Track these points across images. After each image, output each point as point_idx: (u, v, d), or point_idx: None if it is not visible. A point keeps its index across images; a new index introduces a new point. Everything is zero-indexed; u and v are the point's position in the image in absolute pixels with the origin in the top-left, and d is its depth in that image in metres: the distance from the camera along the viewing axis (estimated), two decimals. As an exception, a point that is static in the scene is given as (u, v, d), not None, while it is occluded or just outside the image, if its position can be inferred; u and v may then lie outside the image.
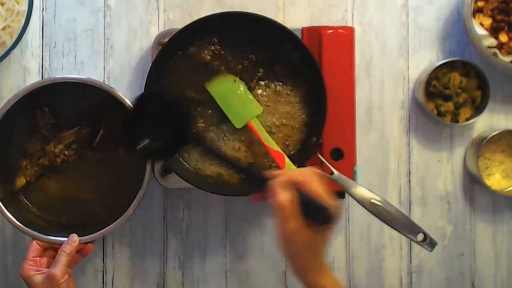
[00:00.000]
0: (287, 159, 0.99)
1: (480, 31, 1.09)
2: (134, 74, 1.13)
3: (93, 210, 1.06)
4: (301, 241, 0.83)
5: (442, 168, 1.15)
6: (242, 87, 1.03)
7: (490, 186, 1.11)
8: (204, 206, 1.13)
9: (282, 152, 1.00)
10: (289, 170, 0.95)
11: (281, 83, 1.05)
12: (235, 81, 1.03)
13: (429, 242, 0.95)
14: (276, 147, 1.00)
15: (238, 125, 1.02)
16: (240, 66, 1.04)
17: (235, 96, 1.03)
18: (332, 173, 0.99)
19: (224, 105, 1.02)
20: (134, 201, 1.01)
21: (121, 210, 1.01)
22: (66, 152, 1.05)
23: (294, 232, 0.82)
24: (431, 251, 0.95)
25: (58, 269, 0.95)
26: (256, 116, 1.02)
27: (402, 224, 0.94)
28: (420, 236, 0.94)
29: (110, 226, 1.01)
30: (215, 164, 1.04)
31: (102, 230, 1.01)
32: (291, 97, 1.05)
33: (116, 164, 1.07)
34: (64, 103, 1.07)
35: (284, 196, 0.83)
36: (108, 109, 1.06)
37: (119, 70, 1.13)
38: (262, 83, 1.04)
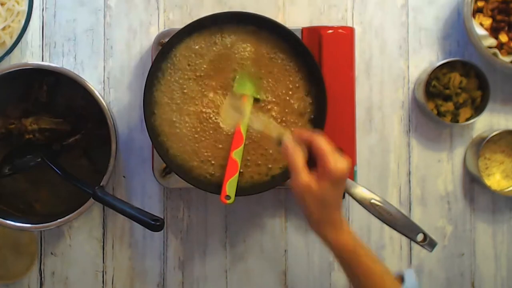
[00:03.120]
0: (241, 147, 1.00)
1: (480, 31, 1.09)
2: (134, 74, 1.14)
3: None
4: (313, 195, 0.87)
5: (442, 168, 1.15)
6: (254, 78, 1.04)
7: (490, 186, 1.11)
8: (204, 206, 1.13)
9: (243, 138, 1.01)
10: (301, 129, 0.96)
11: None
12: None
13: (429, 243, 0.94)
14: (243, 131, 1.01)
15: (236, 89, 1.03)
16: (239, 67, 1.04)
17: (251, 77, 1.03)
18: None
19: (242, 74, 1.03)
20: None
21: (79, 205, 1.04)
22: (37, 135, 1.06)
23: (304, 186, 0.87)
24: (431, 251, 0.95)
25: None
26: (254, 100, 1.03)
27: (402, 224, 0.94)
28: (420, 237, 0.94)
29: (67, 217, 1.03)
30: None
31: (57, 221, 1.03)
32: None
33: (75, 168, 1.08)
34: (63, 92, 1.08)
35: (293, 151, 0.89)
36: (94, 121, 1.07)
37: (119, 70, 1.13)
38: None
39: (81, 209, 1.02)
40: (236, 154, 1.00)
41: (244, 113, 1.01)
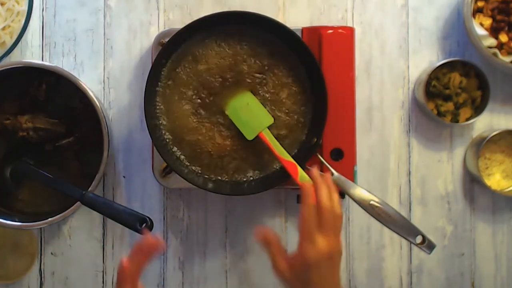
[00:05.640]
0: (300, 170, 0.98)
1: (480, 31, 1.09)
2: (134, 74, 1.14)
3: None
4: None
5: (442, 168, 1.15)
6: (251, 99, 1.02)
7: (490, 186, 1.11)
8: (204, 206, 1.13)
9: (295, 162, 0.98)
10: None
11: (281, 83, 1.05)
12: (244, 94, 1.03)
13: (427, 245, 0.94)
14: (288, 158, 0.98)
15: (249, 136, 1.01)
16: (239, 66, 1.04)
17: (244, 108, 1.02)
18: (332, 174, 0.99)
19: (235, 118, 1.02)
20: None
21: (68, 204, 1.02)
22: (31, 133, 1.05)
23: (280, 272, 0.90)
24: (429, 253, 0.95)
25: None
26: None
27: (401, 226, 0.94)
28: (418, 239, 0.94)
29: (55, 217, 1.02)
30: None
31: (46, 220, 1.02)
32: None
33: (66, 170, 1.09)
34: (62, 93, 1.08)
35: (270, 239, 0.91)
36: (90, 125, 1.06)
37: (119, 70, 1.13)
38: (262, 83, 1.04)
39: (77, 204, 1.02)
40: (302, 178, 0.97)
41: (272, 145, 0.99)
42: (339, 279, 0.88)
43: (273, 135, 1.01)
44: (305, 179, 0.96)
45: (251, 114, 1.02)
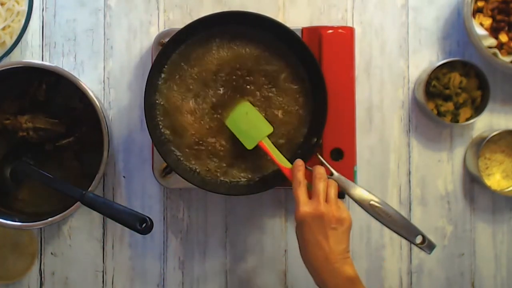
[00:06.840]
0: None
1: (480, 31, 1.09)
2: (134, 74, 1.14)
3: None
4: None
5: (442, 168, 1.15)
6: (250, 109, 1.02)
7: (490, 186, 1.11)
8: (204, 206, 1.13)
9: (287, 168, 0.98)
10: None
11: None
12: (242, 104, 1.02)
13: (427, 245, 0.94)
14: (288, 165, 0.98)
15: (249, 146, 1.00)
16: (239, 66, 1.04)
17: (243, 118, 1.01)
18: (331, 174, 0.99)
19: (235, 129, 1.01)
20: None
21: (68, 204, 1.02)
22: (31, 133, 1.06)
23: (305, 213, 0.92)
24: (429, 253, 0.95)
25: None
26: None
27: (401, 226, 0.94)
28: (418, 239, 0.94)
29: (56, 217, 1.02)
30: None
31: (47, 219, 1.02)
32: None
33: (66, 170, 1.09)
34: (62, 93, 1.08)
35: (297, 184, 0.94)
36: (90, 125, 1.06)
37: (119, 70, 1.13)
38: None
39: (77, 204, 1.02)
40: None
41: (272, 153, 0.99)
42: (335, 245, 0.91)
43: (273, 134, 1.01)
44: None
45: (250, 124, 1.01)
